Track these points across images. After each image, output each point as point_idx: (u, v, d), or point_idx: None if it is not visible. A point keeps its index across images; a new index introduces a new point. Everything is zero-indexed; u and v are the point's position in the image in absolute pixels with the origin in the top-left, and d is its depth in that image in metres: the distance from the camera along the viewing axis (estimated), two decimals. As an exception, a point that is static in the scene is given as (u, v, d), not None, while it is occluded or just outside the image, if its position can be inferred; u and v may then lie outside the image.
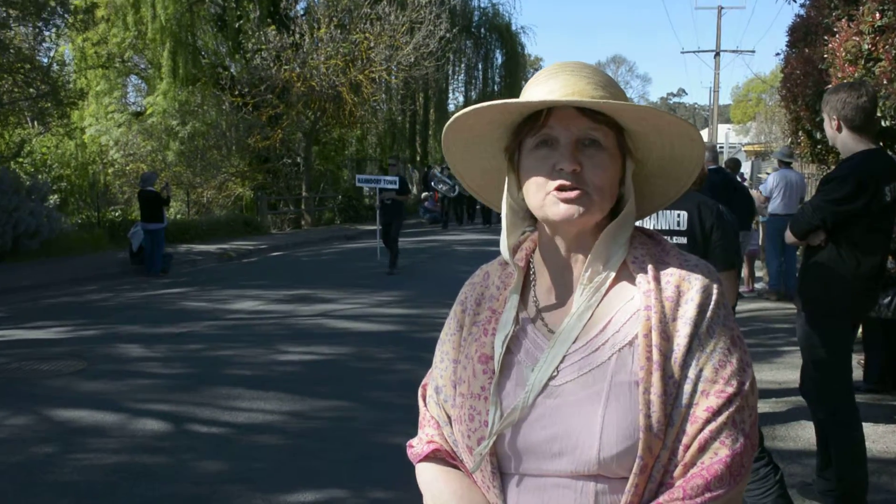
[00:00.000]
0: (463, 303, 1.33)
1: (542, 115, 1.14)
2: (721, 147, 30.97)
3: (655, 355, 1.07)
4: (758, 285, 10.50)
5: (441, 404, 1.29)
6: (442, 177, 23.33)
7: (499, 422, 1.15)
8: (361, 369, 6.74)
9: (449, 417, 1.26)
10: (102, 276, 12.60)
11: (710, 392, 1.07)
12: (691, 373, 1.08)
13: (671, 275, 1.14)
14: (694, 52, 41.23)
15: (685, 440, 1.07)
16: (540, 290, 1.24)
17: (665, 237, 1.26)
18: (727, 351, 1.10)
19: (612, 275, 1.16)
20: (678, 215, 3.29)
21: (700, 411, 1.07)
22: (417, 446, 1.32)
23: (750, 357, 1.14)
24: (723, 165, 8.60)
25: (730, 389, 1.07)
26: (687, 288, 1.13)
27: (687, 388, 1.07)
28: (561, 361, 1.14)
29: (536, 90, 1.16)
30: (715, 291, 1.13)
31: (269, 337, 8.01)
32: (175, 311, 9.47)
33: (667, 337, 1.09)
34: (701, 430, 1.06)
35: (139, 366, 6.85)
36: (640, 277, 1.15)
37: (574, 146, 1.12)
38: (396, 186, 13.10)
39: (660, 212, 3.26)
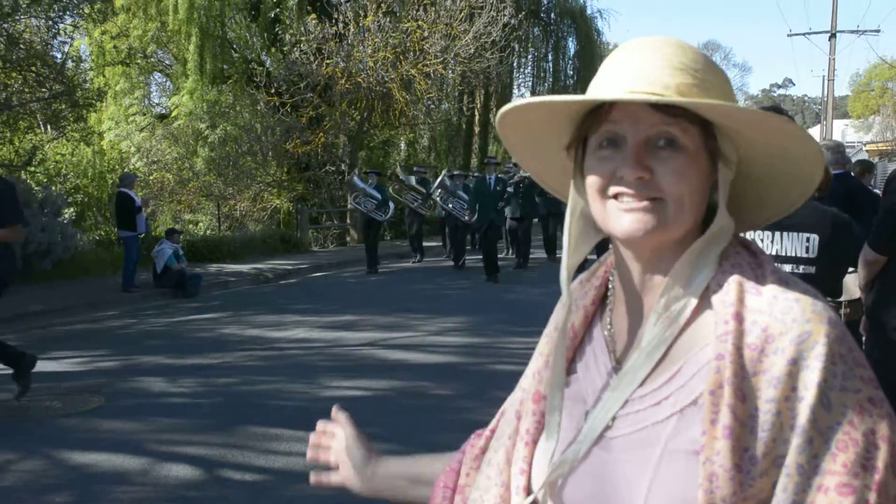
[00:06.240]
0: (550, 324, 1.26)
1: (604, 106, 1.05)
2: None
3: (725, 417, 0.94)
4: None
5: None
6: (365, 186, 17.37)
7: (546, 472, 1.11)
8: (417, 407, 6.69)
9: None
10: (123, 300, 12.84)
11: (829, 487, 0.91)
12: (798, 458, 0.92)
13: (760, 311, 0.99)
14: (804, 34, 40.22)
15: None
16: (616, 317, 1.16)
17: (766, 256, 1.10)
18: (851, 425, 0.93)
19: (694, 302, 1.05)
20: (807, 239, 3.07)
21: None
22: None
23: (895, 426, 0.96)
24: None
25: (856, 483, 0.91)
26: (779, 332, 0.96)
27: (795, 480, 0.92)
28: (622, 406, 1.06)
29: (600, 77, 1.07)
30: (822, 341, 0.95)
31: (311, 369, 8.02)
32: (205, 340, 9.58)
33: (742, 397, 0.94)
34: None
35: (164, 402, 6.90)
36: (718, 313, 1.00)
37: (642, 147, 1.02)
38: None
39: (784, 234, 3.08)
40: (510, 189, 16.12)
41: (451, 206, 17.26)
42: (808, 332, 0.95)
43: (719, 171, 1.06)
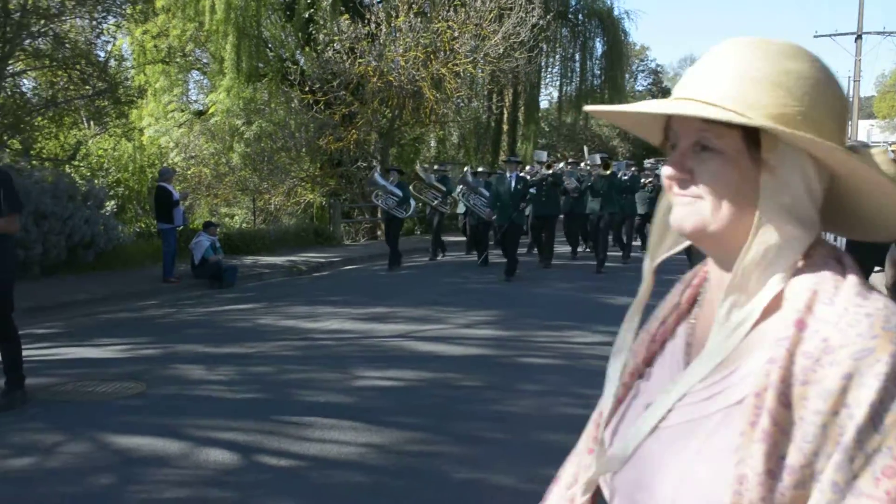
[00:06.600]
0: (655, 311, 1.30)
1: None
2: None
3: (764, 422, 0.91)
4: None
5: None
6: (385, 184, 16.68)
7: (600, 460, 1.16)
8: (446, 397, 6.71)
9: None
10: (162, 290, 12.99)
11: None
12: (835, 475, 0.88)
13: (826, 321, 0.94)
14: (829, 35, 39.82)
15: None
16: (700, 316, 1.19)
17: (856, 270, 1.04)
18: None
19: (757, 312, 1.01)
20: (835, 238, 3.10)
21: None
22: None
23: None
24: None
25: None
26: (839, 344, 0.91)
27: (827, 497, 0.88)
28: (681, 399, 1.06)
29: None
30: (886, 360, 0.89)
31: (344, 359, 8.06)
32: (241, 330, 9.65)
33: (786, 403, 0.92)
34: None
35: (202, 389, 6.98)
36: (784, 319, 0.97)
37: (688, 150, 1.06)
38: None
39: None
40: (532, 190, 15.68)
41: (472, 202, 16.98)
42: (870, 348, 0.90)
43: (761, 178, 1.03)
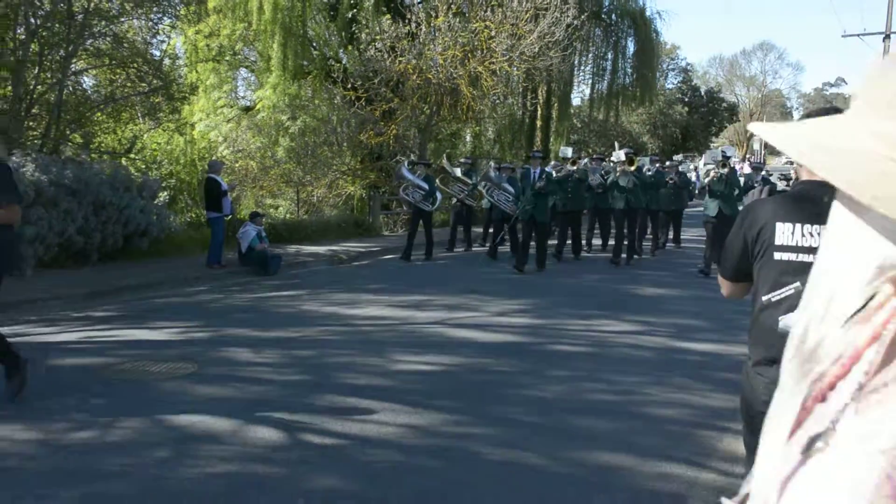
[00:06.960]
0: None
1: None
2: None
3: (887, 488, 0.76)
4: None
5: None
6: (412, 178, 16.28)
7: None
8: (481, 382, 6.75)
9: None
10: (212, 277, 13.14)
11: None
12: None
13: None
14: (858, 34, 39.18)
15: None
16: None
17: None
18: None
19: (829, 336, 0.86)
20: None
21: None
22: None
23: None
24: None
25: None
26: None
27: None
28: (831, 431, 0.85)
29: None
30: None
31: (383, 344, 8.13)
32: (285, 315, 9.75)
33: None
34: None
35: (250, 371, 7.07)
36: None
37: None
38: None
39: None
40: (542, 180, 14.40)
41: (495, 198, 16.46)
42: None
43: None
